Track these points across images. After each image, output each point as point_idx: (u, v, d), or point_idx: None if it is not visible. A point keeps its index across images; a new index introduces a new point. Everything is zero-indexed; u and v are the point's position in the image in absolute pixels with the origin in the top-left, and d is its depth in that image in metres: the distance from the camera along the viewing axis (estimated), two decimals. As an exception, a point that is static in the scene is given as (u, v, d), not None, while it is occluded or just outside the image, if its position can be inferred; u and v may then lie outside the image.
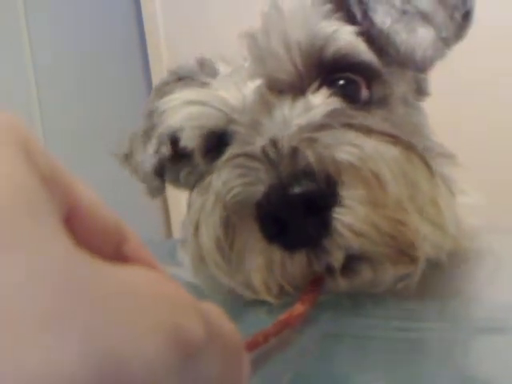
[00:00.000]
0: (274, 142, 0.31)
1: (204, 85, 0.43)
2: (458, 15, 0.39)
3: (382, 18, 0.38)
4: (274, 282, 0.32)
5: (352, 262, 0.32)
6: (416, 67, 0.40)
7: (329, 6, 0.40)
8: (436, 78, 0.45)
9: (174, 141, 0.48)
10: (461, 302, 0.32)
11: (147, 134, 0.52)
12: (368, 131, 0.32)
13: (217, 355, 0.16)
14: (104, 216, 0.16)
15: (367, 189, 0.30)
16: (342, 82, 0.38)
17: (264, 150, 0.31)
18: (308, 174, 0.29)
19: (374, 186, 0.30)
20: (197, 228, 0.35)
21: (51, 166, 0.15)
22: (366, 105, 0.38)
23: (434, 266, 0.33)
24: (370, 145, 0.31)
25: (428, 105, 0.46)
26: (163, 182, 0.54)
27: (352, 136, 0.31)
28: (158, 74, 1.57)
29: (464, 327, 0.28)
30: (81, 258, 0.13)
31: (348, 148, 0.30)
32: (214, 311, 0.17)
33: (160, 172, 0.53)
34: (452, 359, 0.24)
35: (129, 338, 0.12)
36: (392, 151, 0.31)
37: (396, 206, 0.30)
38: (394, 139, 0.32)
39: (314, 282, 0.31)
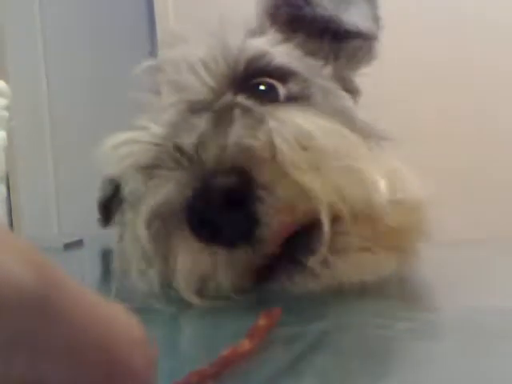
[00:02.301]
0: (178, 148, 0.32)
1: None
2: None
3: (326, 5, 0.46)
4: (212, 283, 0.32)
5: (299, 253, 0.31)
6: (364, 38, 0.46)
7: (260, 23, 0.45)
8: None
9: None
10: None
11: None
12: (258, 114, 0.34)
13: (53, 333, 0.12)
14: None
15: (276, 163, 0.31)
16: (260, 86, 0.40)
17: (171, 158, 0.33)
18: (219, 169, 0.30)
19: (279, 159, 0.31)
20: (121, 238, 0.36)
21: None
22: (285, 102, 0.40)
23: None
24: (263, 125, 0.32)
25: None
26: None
27: (246, 122, 0.33)
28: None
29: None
30: None
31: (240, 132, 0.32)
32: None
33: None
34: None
35: None
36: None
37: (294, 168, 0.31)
38: None
39: (267, 316, 0.27)
